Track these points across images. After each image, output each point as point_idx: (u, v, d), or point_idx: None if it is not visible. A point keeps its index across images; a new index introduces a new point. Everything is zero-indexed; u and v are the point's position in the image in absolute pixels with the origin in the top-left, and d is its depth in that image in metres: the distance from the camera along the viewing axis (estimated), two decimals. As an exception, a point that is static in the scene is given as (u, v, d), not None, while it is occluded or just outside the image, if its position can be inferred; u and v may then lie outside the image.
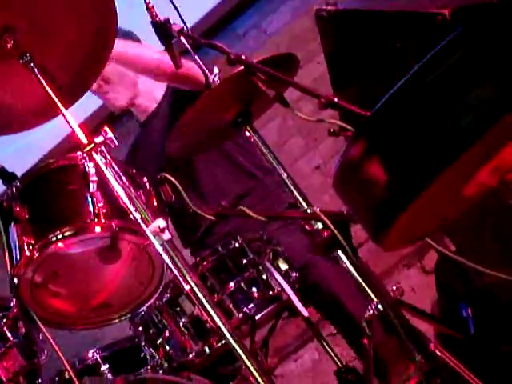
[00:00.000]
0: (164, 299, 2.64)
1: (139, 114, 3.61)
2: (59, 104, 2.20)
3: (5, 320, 2.53)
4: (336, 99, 2.06)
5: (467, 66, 1.22)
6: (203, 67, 2.62)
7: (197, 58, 2.59)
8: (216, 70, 2.58)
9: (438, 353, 2.25)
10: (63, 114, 2.20)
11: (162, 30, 2.57)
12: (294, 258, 2.82)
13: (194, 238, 3.43)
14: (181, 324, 2.63)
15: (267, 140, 2.71)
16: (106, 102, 3.57)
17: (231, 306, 2.61)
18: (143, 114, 3.59)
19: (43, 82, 2.22)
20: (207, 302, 2.06)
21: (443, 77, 1.23)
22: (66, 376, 2.69)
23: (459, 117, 1.21)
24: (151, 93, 3.58)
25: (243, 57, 2.32)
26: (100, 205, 2.25)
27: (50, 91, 2.21)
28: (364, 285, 2.26)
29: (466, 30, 1.22)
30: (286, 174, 2.58)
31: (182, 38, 2.55)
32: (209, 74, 2.59)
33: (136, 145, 3.65)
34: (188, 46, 2.56)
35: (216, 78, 2.59)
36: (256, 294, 2.64)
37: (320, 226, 2.22)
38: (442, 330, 2.77)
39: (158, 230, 2.05)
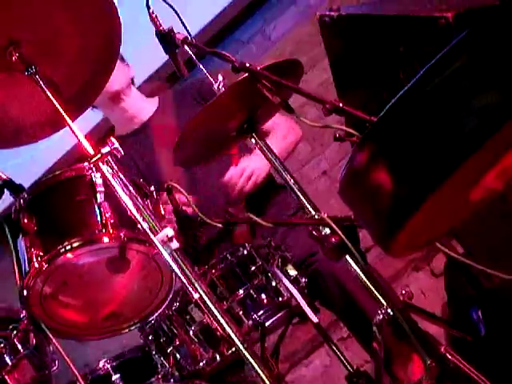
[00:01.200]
0: (173, 308, 2.65)
1: (122, 121, 3.57)
2: (65, 116, 2.21)
3: (15, 332, 2.54)
4: (341, 105, 2.06)
5: (471, 71, 1.22)
6: (208, 75, 2.62)
7: (201, 66, 2.59)
8: (220, 78, 2.58)
9: (449, 356, 2.25)
10: (69, 126, 2.21)
11: (166, 39, 2.58)
12: (299, 251, 2.83)
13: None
14: (191, 332, 2.63)
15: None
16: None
17: (241, 313, 2.61)
18: (127, 123, 3.55)
19: (49, 94, 2.23)
20: (216, 309, 2.06)
21: (448, 82, 1.23)
22: (78, 387, 2.70)
23: (464, 122, 1.21)
24: (141, 103, 3.59)
25: (247, 64, 2.33)
26: (108, 215, 2.25)
27: (55, 103, 2.22)
28: (373, 289, 2.26)
29: (469, 34, 1.22)
30: (292, 180, 2.58)
31: (186, 47, 2.56)
32: (213, 82, 2.60)
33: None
34: (192, 54, 2.57)
35: (221, 86, 2.59)
36: (265, 301, 2.64)
37: (328, 231, 2.22)
38: (452, 332, 2.76)
39: (166, 238, 2.06)
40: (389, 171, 1.28)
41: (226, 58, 2.40)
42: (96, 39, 2.33)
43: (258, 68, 2.34)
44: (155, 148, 3.40)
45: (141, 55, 3.88)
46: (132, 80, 3.59)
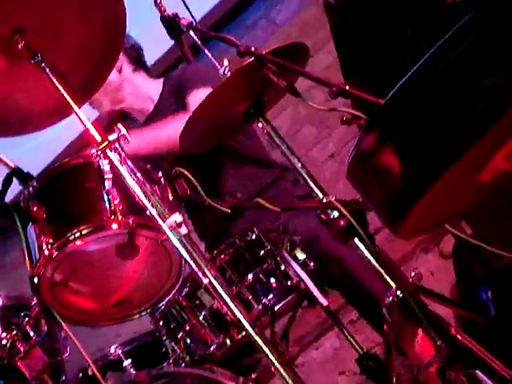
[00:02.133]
0: (183, 293, 2.65)
1: (137, 115, 3.62)
2: (72, 103, 2.21)
3: (27, 319, 2.55)
4: (347, 87, 2.06)
5: (479, 52, 1.21)
6: (213, 60, 2.62)
7: (206, 51, 2.59)
8: (226, 63, 2.58)
9: (459, 337, 2.25)
10: (76, 113, 2.21)
11: (171, 24, 2.58)
12: (303, 234, 2.83)
13: (211, 233, 3.44)
14: (201, 317, 2.64)
15: (280, 130, 2.71)
16: (95, 110, 3.56)
17: (250, 297, 2.61)
18: (141, 115, 3.59)
19: (55, 81, 2.23)
20: (226, 294, 2.07)
21: (455, 64, 1.22)
22: (90, 372, 2.72)
23: (473, 103, 1.20)
24: (142, 93, 3.58)
25: (253, 48, 2.33)
26: (116, 202, 2.25)
27: (62, 90, 2.22)
28: (382, 272, 2.26)
29: (476, 14, 1.22)
30: (300, 164, 2.58)
31: (191, 32, 2.56)
32: (219, 67, 2.59)
33: None
34: (197, 39, 2.57)
35: (226, 71, 2.59)
36: (274, 285, 2.64)
37: (336, 214, 2.22)
38: (462, 314, 2.76)
39: (174, 224, 2.06)
40: (397, 153, 1.28)
41: (231, 42, 2.40)
42: (101, 25, 2.33)
43: (264, 52, 2.34)
44: None
45: (146, 41, 3.87)
46: (120, 68, 3.56)
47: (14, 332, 2.52)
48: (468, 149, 1.21)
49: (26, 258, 2.33)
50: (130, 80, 3.56)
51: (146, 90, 3.60)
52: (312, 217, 2.75)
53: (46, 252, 2.27)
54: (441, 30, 1.27)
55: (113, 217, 2.26)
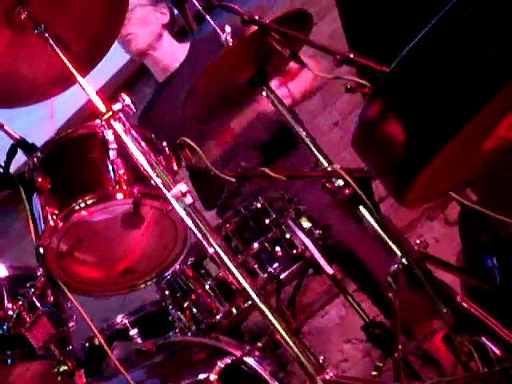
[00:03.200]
0: (189, 262, 2.66)
1: (158, 71, 3.60)
2: (75, 73, 2.20)
3: (33, 289, 2.56)
4: (351, 55, 2.05)
5: (484, 19, 1.20)
6: (217, 28, 2.60)
7: (210, 19, 2.58)
8: (228, 29, 2.57)
9: (465, 304, 2.26)
10: (80, 83, 2.20)
11: (175, -7, 2.57)
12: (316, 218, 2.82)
13: (217, 200, 3.44)
14: (207, 286, 2.65)
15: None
16: (124, 44, 3.51)
17: (256, 266, 2.62)
18: (162, 73, 3.58)
19: (58, 51, 2.22)
20: (231, 263, 2.07)
21: (460, 31, 1.21)
22: (96, 342, 2.73)
23: (477, 71, 1.20)
24: (173, 52, 3.56)
25: (256, 17, 2.31)
26: (121, 172, 2.25)
27: (65, 60, 2.21)
28: (388, 240, 2.26)
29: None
30: (304, 133, 2.57)
31: (195, 1, 2.54)
32: (221, 34, 2.58)
33: (152, 104, 3.63)
34: (200, 8, 2.55)
35: (228, 37, 2.57)
36: (280, 253, 2.65)
37: (341, 183, 2.21)
38: (467, 281, 2.77)
39: (179, 194, 2.06)
40: (402, 122, 1.27)
41: (236, 11, 2.39)
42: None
43: (267, 21, 2.33)
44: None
45: (149, 10, 3.84)
46: (166, 25, 3.56)
47: (20, 302, 2.53)
48: (472, 118, 1.20)
49: (32, 229, 2.33)
50: (166, 33, 3.55)
51: (177, 49, 3.58)
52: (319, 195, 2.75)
53: (52, 222, 2.27)
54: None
55: (118, 187, 2.25)
